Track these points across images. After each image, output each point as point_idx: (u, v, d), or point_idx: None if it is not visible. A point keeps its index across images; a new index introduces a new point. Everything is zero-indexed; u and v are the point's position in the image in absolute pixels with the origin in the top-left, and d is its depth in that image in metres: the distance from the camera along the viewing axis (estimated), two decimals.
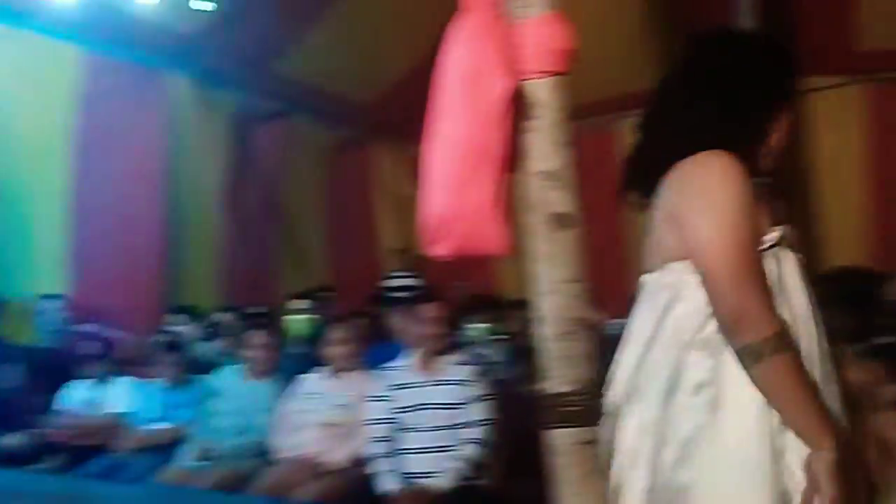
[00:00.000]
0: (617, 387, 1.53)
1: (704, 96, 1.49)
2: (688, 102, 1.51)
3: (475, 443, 3.20)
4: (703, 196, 1.40)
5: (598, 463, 1.49)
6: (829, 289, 2.23)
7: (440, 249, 1.50)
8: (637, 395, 1.47)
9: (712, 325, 1.40)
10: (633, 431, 1.47)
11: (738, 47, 1.55)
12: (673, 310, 1.46)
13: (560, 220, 1.48)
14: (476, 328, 4.93)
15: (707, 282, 1.39)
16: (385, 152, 7.82)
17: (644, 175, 1.56)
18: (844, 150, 6.17)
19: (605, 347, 5.11)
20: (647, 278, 1.56)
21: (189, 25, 5.52)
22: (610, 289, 6.40)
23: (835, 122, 6.16)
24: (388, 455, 3.23)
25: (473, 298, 5.65)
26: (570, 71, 1.46)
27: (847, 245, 6.06)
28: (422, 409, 3.26)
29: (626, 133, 6.73)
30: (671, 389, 1.42)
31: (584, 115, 6.48)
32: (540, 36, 1.44)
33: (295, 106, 6.81)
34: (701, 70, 1.53)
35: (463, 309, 5.35)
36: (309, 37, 6.01)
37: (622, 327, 5.43)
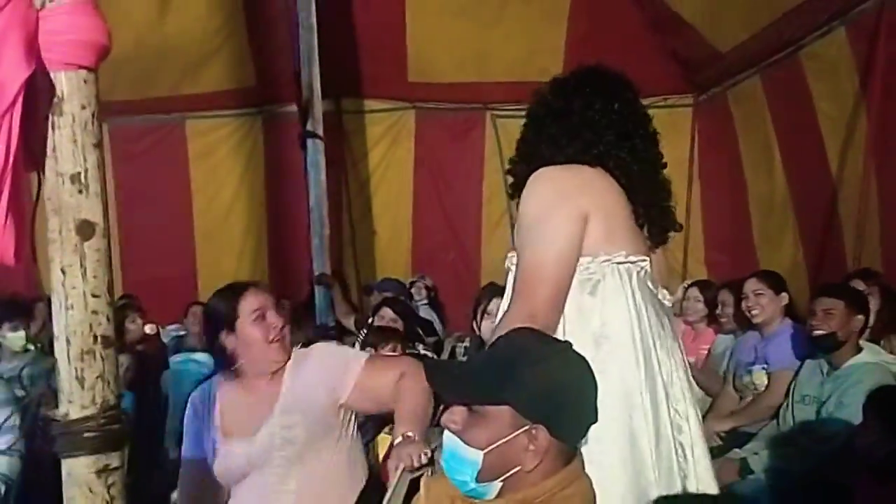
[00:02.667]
0: None
1: None
2: None
3: None
4: None
5: (119, 491, 1.39)
6: None
7: None
8: None
9: None
10: None
11: None
12: None
13: (84, 229, 1.35)
14: (13, 336, 4.38)
15: None
16: None
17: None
18: (395, 166, 6.81)
19: (161, 356, 4.84)
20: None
21: None
22: (175, 291, 6.25)
23: (389, 139, 6.80)
24: None
25: (3, 300, 5.00)
26: (100, 66, 1.34)
27: (397, 259, 6.70)
28: None
29: (198, 130, 6.61)
30: None
31: (155, 109, 6.28)
32: (67, 24, 1.29)
33: None
34: None
35: None
36: None
37: (177, 333, 5.20)
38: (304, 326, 5.01)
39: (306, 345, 4.58)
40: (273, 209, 6.62)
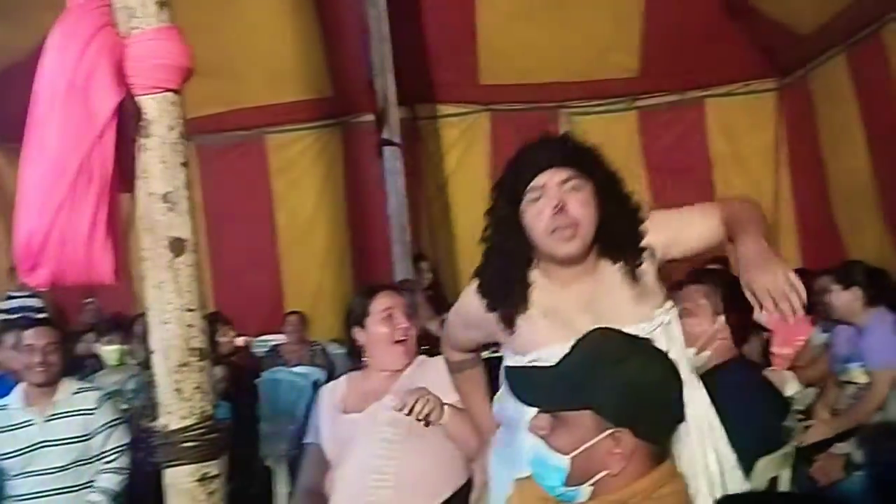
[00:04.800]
0: None
1: None
2: None
3: (115, 473, 2.96)
4: None
5: (219, 498, 1.43)
6: None
7: (36, 277, 1.34)
8: None
9: None
10: None
11: None
12: None
13: (176, 245, 1.40)
14: (109, 350, 4.57)
15: None
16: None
17: None
18: (471, 169, 6.81)
19: (253, 367, 4.97)
20: None
21: None
22: (262, 303, 6.41)
23: (464, 143, 6.80)
24: None
25: (106, 318, 5.24)
26: (184, 88, 1.39)
27: (476, 263, 6.65)
28: (38, 450, 2.91)
29: (278, 144, 6.75)
30: None
31: (236, 124, 6.45)
32: (151, 50, 1.35)
33: None
34: None
35: (94, 330, 4.94)
36: None
37: (270, 345, 5.33)
38: None
39: None
40: (354, 218, 6.71)
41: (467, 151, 6.82)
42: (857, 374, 3.49)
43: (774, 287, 1.51)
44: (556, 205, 1.66)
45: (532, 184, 1.71)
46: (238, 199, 6.67)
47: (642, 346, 1.37)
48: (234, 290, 6.28)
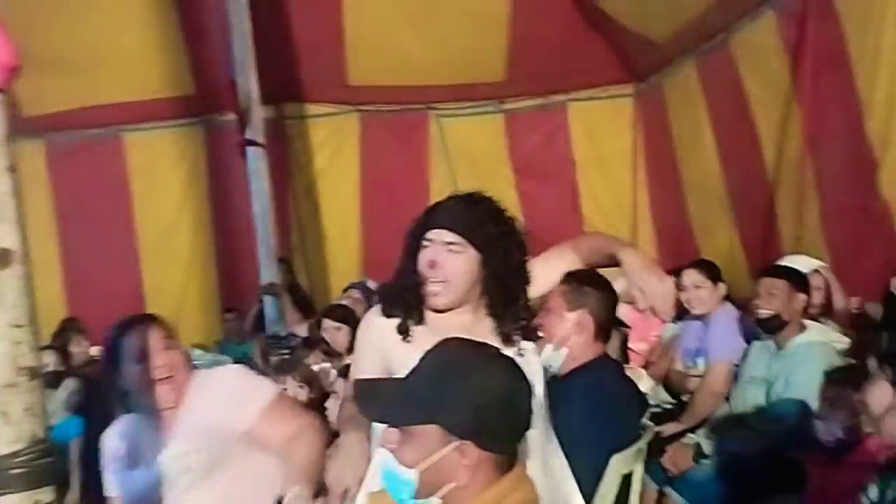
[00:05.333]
0: None
1: None
2: None
3: None
4: None
5: None
6: None
7: None
8: None
9: None
10: None
11: None
12: None
13: (2, 257, 1.30)
14: None
15: None
16: None
17: None
18: (340, 170, 6.76)
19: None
20: None
21: None
22: (121, 309, 6.10)
23: (333, 143, 6.73)
24: None
25: None
26: (10, 88, 1.29)
27: (347, 264, 6.62)
28: None
29: (137, 143, 6.47)
30: None
31: (92, 121, 6.13)
32: None
33: None
34: None
35: None
36: None
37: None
38: (257, 337, 4.95)
39: (263, 357, 4.48)
40: (219, 220, 6.52)
41: (337, 152, 6.78)
42: (704, 368, 3.66)
43: (663, 289, 1.90)
44: (431, 260, 1.89)
45: (426, 235, 1.93)
46: (94, 201, 6.38)
47: (489, 357, 1.38)
48: (91, 296, 5.99)
